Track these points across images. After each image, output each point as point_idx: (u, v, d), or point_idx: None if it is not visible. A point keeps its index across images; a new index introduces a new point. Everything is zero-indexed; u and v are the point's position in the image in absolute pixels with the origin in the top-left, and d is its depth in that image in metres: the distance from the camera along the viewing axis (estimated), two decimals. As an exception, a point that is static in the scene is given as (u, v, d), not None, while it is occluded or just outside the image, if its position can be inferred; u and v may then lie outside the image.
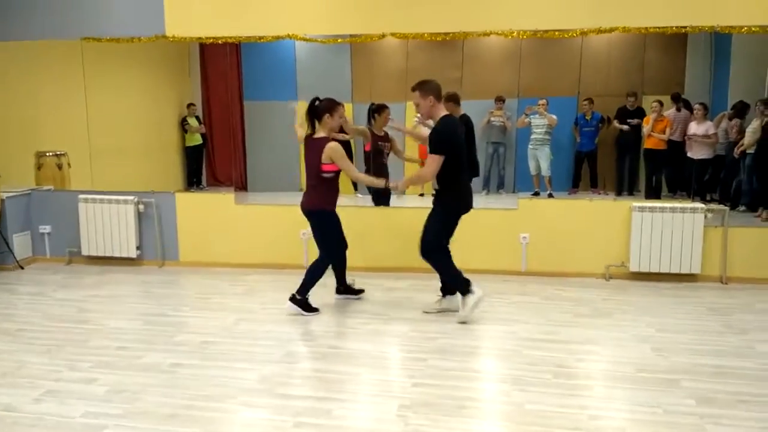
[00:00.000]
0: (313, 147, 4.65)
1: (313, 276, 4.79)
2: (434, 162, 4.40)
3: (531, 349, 4.12)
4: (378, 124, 6.11)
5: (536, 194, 8.95)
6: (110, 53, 6.60)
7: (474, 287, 4.60)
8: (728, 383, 3.59)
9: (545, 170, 8.98)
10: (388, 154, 6.17)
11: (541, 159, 9.00)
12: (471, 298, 4.58)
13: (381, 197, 6.29)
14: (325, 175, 4.64)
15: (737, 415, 3.22)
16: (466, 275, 4.65)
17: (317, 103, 4.70)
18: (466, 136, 4.79)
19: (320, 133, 4.68)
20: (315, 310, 4.84)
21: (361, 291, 5.24)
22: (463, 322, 4.58)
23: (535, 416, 3.23)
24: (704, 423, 3.14)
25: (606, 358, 4.01)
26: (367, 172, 5.84)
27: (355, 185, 7.23)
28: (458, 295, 4.69)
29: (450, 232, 4.66)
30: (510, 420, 3.22)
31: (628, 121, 8.86)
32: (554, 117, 8.90)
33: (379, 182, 4.82)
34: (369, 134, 6.02)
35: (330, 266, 4.93)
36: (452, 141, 4.43)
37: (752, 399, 3.39)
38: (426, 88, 4.47)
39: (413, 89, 4.52)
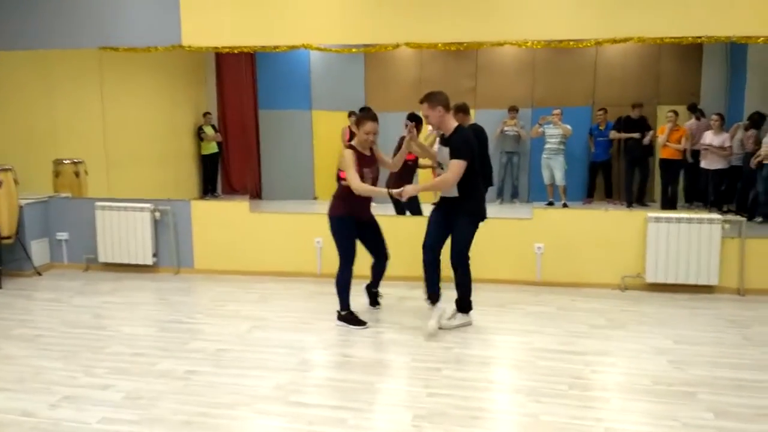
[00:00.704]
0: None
1: (340, 288, 4.77)
2: (459, 167, 4.39)
3: (546, 360, 4.10)
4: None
5: (550, 204, 8.93)
6: (127, 62, 6.68)
7: (471, 312, 4.79)
8: (747, 396, 3.55)
9: (559, 180, 8.96)
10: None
11: (555, 169, 8.99)
12: (465, 318, 4.74)
13: (404, 209, 6.34)
14: (342, 182, 4.67)
15: (756, 429, 3.19)
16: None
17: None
18: (478, 146, 4.77)
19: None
20: (361, 323, 4.76)
21: (377, 305, 5.21)
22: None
23: (550, 428, 3.21)
24: (722, 436, 3.11)
25: (622, 369, 3.98)
26: (400, 177, 5.84)
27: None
28: (462, 313, 4.78)
29: (472, 239, 4.68)
30: (525, 431, 3.20)
31: (631, 135, 8.83)
32: (568, 127, 8.89)
33: (380, 191, 4.63)
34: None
35: (370, 268, 4.97)
36: (473, 147, 4.46)
37: (771, 413, 3.35)
38: (434, 99, 4.48)
39: (421, 101, 4.54)
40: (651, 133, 8.76)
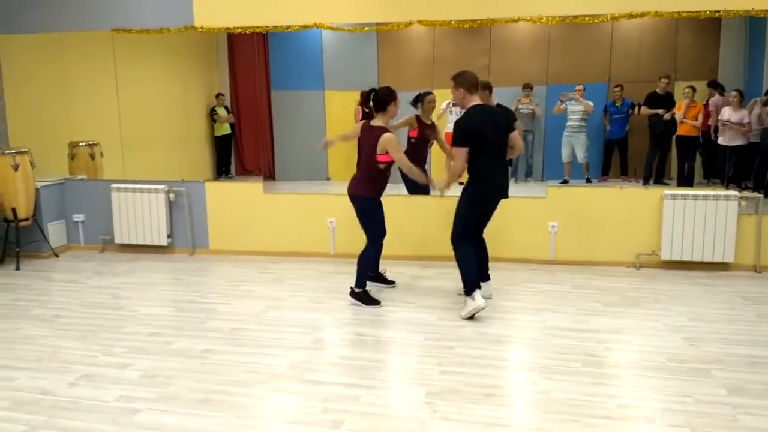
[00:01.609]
0: (371, 135, 4.65)
1: (363, 265, 4.79)
2: (459, 154, 4.42)
3: (560, 338, 4.10)
4: (425, 112, 5.92)
5: (565, 182, 8.86)
6: (140, 44, 6.70)
7: (476, 295, 4.45)
8: (761, 373, 3.53)
9: (582, 157, 8.92)
10: (431, 145, 6.07)
11: (576, 146, 8.93)
12: (471, 304, 4.44)
13: (417, 188, 6.30)
14: (380, 165, 4.65)
15: (770, 405, 3.18)
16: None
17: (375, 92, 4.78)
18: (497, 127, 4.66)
19: (378, 122, 4.69)
20: (376, 302, 4.79)
21: (392, 282, 5.24)
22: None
23: (563, 404, 3.22)
24: (736, 413, 3.10)
25: (636, 347, 3.97)
26: (414, 152, 5.78)
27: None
28: (484, 285, 4.73)
29: (474, 221, 4.64)
30: (537, 408, 3.21)
31: (659, 112, 8.62)
32: (590, 103, 8.81)
33: (422, 177, 4.81)
34: (415, 122, 5.86)
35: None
36: (471, 132, 4.39)
37: (786, 389, 3.34)
38: (458, 80, 4.50)
39: (451, 79, 4.57)
40: (663, 111, 8.62)
